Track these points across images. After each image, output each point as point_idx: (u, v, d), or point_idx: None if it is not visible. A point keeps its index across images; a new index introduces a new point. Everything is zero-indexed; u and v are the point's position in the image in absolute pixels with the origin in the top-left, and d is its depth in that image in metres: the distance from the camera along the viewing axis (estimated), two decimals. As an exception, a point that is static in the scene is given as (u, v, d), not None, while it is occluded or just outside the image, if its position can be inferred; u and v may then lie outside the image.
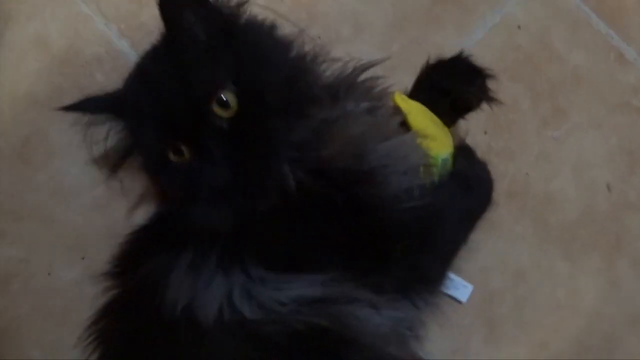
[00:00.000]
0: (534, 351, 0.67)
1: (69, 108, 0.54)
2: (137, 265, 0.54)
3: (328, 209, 0.51)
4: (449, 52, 0.69)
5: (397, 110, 0.60)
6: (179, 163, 0.50)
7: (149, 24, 0.70)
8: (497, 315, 0.67)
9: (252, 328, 0.49)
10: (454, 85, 0.64)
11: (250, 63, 0.50)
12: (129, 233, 0.59)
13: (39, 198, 0.66)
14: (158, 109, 0.50)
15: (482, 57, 0.71)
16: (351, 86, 0.58)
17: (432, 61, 0.66)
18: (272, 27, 0.55)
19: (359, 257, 0.52)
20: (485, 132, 0.70)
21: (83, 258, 0.65)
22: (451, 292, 0.66)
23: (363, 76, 0.59)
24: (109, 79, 0.69)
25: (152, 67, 0.53)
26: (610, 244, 0.70)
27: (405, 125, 0.59)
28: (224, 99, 0.48)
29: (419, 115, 0.61)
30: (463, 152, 0.64)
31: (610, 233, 0.70)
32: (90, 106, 0.55)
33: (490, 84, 0.63)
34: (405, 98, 0.63)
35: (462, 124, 0.68)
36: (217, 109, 0.48)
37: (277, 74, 0.51)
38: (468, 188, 0.61)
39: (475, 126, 0.70)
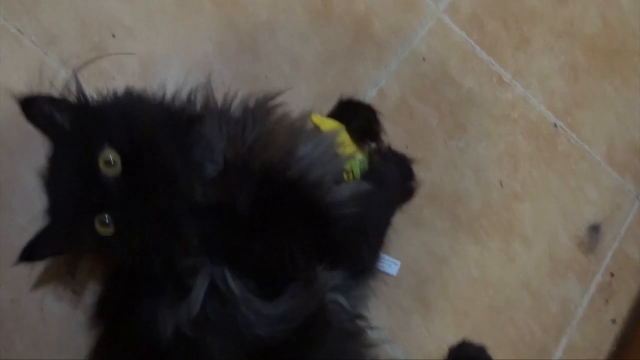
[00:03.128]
0: (459, 319, 0.84)
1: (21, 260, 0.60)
2: (120, 310, 0.61)
3: (281, 222, 0.60)
4: (370, 82, 0.85)
5: (316, 127, 0.73)
6: (109, 234, 0.55)
7: (111, 70, 0.77)
8: (429, 295, 0.83)
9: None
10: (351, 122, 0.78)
11: (119, 125, 0.56)
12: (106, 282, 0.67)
13: (23, 241, 0.69)
14: (68, 200, 0.56)
15: (397, 85, 0.88)
16: (255, 115, 0.64)
17: (345, 98, 0.82)
18: (126, 92, 0.62)
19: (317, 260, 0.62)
20: (407, 147, 0.86)
21: (73, 292, 0.70)
22: (384, 268, 0.81)
23: (266, 105, 0.66)
24: (76, 123, 0.74)
25: (51, 173, 0.59)
26: (505, 228, 0.89)
27: None
28: (108, 158, 0.53)
29: (329, 126, 0.74)
30: (382, 153, 0.79)
31: (505, 220, 0.89)
32: (40, 252, 0.61)
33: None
34: (320, 117, 0.76)
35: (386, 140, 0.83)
36: (105, 170, 0.53)
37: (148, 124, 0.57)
38: (382, 181, 0.73)
39: (398, 142, 0.85)
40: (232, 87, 0.67)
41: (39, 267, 0.69)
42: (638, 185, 0.98)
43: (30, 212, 0.71)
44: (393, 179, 0.78)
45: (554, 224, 0.91)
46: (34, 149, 0.72)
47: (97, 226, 0.54)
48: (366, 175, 0.72)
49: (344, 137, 0.70)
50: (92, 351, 0.64)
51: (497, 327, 0.86)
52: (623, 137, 0.98)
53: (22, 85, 0.72)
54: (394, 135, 0.84)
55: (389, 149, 0.81)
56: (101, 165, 0.53)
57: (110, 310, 0.64)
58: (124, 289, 0.62)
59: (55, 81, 0.62)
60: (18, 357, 0.67)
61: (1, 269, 0.68)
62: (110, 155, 0.53)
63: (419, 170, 0.85)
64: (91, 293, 0.70)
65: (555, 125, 0.95)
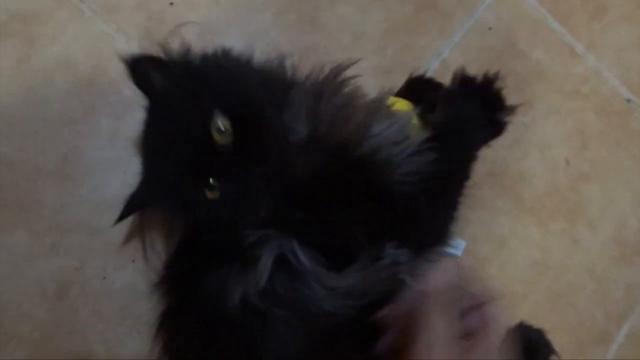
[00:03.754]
0: (517, 302, 0.82)
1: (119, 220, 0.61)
2: (187, 279, 0.61)
3: (351, 196, 0.58)
4: (432, 53, 0.81)
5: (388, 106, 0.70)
6: (215, 198, 0.55)
7: (169, 40, 0.76)
8: (487, 276, 0.81)
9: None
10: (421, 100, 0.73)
11: (225, 90, 0.56)
12: (172, 251, 0.65)
13: (84, 210, 0.71)
14: (173, 164, 0.55)
15: (461, 57, 0.84)
16: (329, 88, 0.62)
17: (414, 75, 0.78)
18: (223, 52, 0.62)
19: (382, 236, 0.60)
20: (469, 123, 0.83)
21: (133, 261, 0.71)
22: (449, 248, 0.76)
23: (339, 78, 0.64)
24: (136, 94, 0.73)
25: (152, 136, 0.59)
26: (571, 210, 0.85)
27: None
28: (220, 126, 0.53)
29: (402, 107, 0.71)
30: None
31: (571, 201, 0.85)
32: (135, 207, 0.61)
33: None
34: (392, 97, 0.73)
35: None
36: (217, 137, 0.53)
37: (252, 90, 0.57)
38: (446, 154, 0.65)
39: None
40: (295, 57, 0.65)
41: (100, 237, 0.71)
42: None
43: (91, 182, 0.72)
44: (472, 125, 0.69)
45: (622, 206, 0.87)
46: (96, 120, 0.73)
47: (206, 190, 0.54)
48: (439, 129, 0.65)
49: (415, 118, 0.67)
50: (158, 320, 0.64)
51: (557, 311, 0.83)
52: (703, 115, 0.92)
53: (83, 55, 0.73)
54: (456, 110, 0.80)
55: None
56: (213, 132, 0.53)
57: (176, 279, 0.64)
58: (191, 258, 0.62)
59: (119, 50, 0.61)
60: (82, 323, 0.69)
61: (65, 237, 0.70)
62: (222, 122, 0.53)
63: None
64: (152, 262, 0.71)
65: (629, 101, 0.89)
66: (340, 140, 0.57)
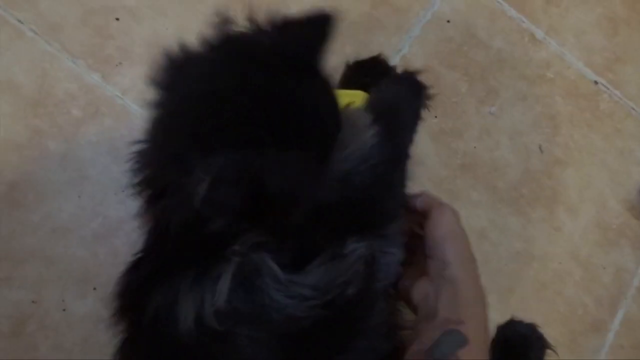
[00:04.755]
0: (504, 297, 0.79)
1: None
2: (142, 298, 0.56)
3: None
4: (392, 50, 0.80)
5: None
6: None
7: (116, 55, 0.73)
8: (470, 272, 0.78)
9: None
10: (371, 81, 0.70)
11: None
12: (125, 268, 0.60)
13: (38, 238, 0.67)
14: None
15: (421, 51, 0.82)
16: None
17: (351, 61, 0.75)
18: None
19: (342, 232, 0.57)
20: (435, 117, 0.81)
21: (94, 288, 0.67)
22: None
23: None
24: (86, 113, 0.71)
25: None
26: (549, 197, 0.83)
27: None
28: None
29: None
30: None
31: (548, 187, 0.83)
32: None
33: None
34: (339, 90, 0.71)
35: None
36: None
37: None
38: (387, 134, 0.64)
39: (426, 112, 0.79)
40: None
41: (57, 266, 0.67)
42: (691, 141, 0.90)
43: (43, 208, 0.68)
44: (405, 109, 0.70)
45: (601, 188, 0.85)
46: (44, 143, 0.70)
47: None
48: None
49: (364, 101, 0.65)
50: (119, 347, 0.58)
51: (546, 302, 0.80)
52: (671, 91, 0.91)
53: (27, 76, 0.70)
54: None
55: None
56: None
57: (127, 303, 0.59)
58: (139, 275, 0.57)
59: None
60: (44, 356, 0.65)
61: (18, 269, 0.66)
62: None
63: (451, 140, 0.80)
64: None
65: (596, 83, 0.88)
66: None
